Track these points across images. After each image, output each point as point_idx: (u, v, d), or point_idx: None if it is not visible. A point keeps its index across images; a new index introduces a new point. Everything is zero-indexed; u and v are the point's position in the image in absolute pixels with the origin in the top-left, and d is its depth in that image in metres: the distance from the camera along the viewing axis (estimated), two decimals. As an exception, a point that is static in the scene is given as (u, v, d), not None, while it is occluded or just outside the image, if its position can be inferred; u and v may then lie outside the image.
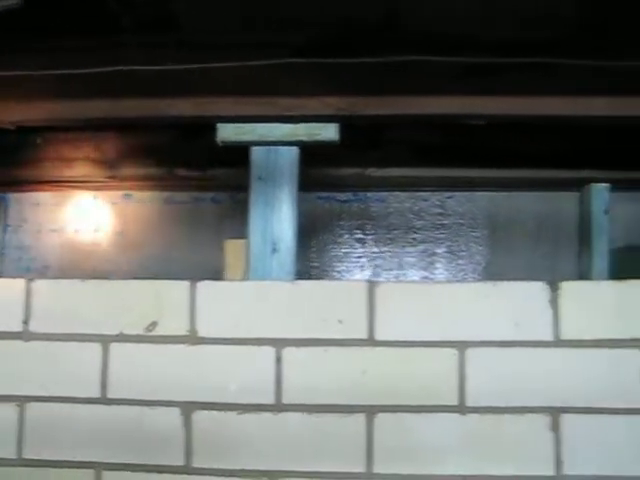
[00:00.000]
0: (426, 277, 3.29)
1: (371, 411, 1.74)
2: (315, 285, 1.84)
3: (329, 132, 2.06)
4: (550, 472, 1.73)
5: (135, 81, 2.16)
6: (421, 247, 3.34)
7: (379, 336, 1.76)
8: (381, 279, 3.29)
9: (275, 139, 2.04)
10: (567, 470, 1.72)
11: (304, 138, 2.05)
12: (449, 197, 3.36)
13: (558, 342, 1.74)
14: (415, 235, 3.34)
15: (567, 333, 1.74)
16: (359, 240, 3.34)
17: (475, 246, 3.34)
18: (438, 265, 3.34)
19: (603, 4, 1.84)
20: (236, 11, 1.88)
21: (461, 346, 1.74)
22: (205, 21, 1.94)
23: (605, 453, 1.72)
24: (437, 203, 3.36)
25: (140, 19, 1.92)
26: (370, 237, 3.35)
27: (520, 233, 3.34)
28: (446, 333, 1.75)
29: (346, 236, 3.34)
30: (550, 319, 1.75)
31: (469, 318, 1.75)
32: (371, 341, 1.76)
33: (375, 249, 3.34)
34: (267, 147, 2.06)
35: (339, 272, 3.32)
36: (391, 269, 3.33)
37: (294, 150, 2.09)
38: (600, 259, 3.07)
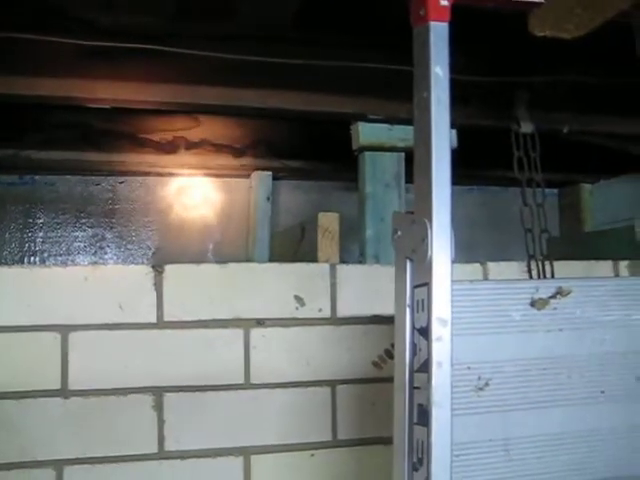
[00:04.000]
0: (95, 262, 3.25)
1: (-32, 400, 1.69)
2: None
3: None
4: (154, 449, 1.78)
5: None
6: (91, 232, 3.30)
7: (-25, 322, 1.71)
8: (49, 264, 3.20)
9: None
10: (169, 446, 1.79)
11: None
12: (121, 182, 3.34)
13: (161, 324, 1.80)
14: (85, 220, 3.29)
15: (170, 314, 1.80)
16: (25, 224, 3.23)
17: (146, 231, 3.35)
18: (108, 250, 3.31)
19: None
20: None
21: (64, 330, 1.74)
22: None
23: (204, 428, 1.81)
24: (108, 188, 3.33)
25: None
26: (38, 221, 3.25)
27: (193, 218, 3.40)
28: (48, 317, 1.73)
29: (11, 221, 3.21)
30: (154, 301, 1.80)
31: (72, 302, 1.75)
32: (-32, 328, 1.70)
33: (42, 234, 3.24)
34: None
35: (4, 257, 3.18)
36: (60, 254, 3.26)
37: None
38: (261, 243, 3.22)
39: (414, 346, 1.15)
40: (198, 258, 3.33)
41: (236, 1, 1.96)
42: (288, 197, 3.40)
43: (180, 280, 1.82)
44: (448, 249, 1.13)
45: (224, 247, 3.42)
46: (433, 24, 1.17)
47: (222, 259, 3.39)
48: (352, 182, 2.99)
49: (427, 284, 1.11)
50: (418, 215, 1.16)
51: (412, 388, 1.15)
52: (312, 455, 1.86)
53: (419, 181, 1.17)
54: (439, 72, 1.17)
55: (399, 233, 1.21)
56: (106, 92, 2.09)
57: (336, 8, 1.98)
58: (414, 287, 1.16)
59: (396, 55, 2.17)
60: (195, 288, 1.82)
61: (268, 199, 3.26)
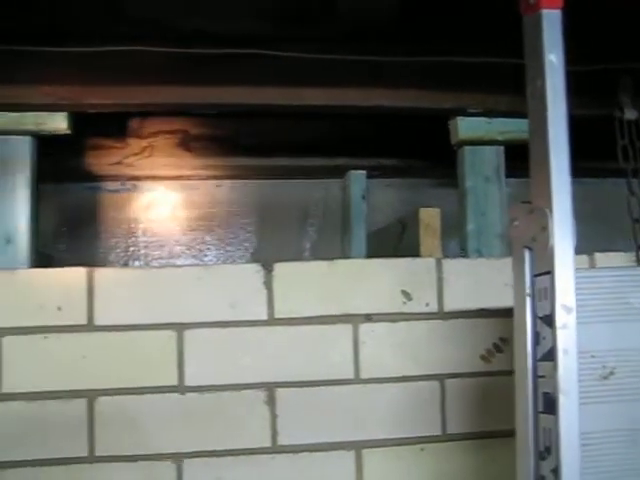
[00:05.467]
0: (196, 265, 3.33)
1: (92, 396, 1.77)
2: (34, 273, 1.84)
3: (57, 122, 2.04)
4: (267, 444, 1.83)
5: None
6: (191, 235, 3.39)
7: (98, 321, 1.78)
8: (165, 265, 3.29)
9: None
10: (282, 441, 1.83)
11: (32, 127, 2.02)
12: (218, 186, 3.42)
13: (272, 321, 1.84)
14: (185, 224, 3.38)
15: (281, 312, 1.84)
16: (128, 229, 3.34)
17: (244, 233, 3.42)
18: (207, 252, 3.39)
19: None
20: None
21: (179, 328, 1.80)
22: None
23: (315, 422, 1.84)
24: (206, 192, 3.41)
25: None
26: (140, 226, 3.36)
27: (287, 219, 3.45)
28: (164, 316, 1.80)
29: (115, 225, 3.32)
30: (264, 299, 1.84)
31: (186, 301, 1.81)
32: (90, 326, 1.78)
33: (145, 238, 3.35)
34: (-6, 137, 2.01)
35: (110, 262, 3.30)
36: (162, 258, 3.36)
37: (26, 140, 2.05)
38: (358, 241, 3.24)
39: (536, 335, 1.15)
40: (295, 258, 3.37)
41: (335, 1, 1.98)
42: (381, 195, 3.41)
43: (289, 278, 1.85)
44: (570, 237, 1.12)
45: (320, 246, 3.45)
46: (546, 12, 1.17)
47: (319, 259, 3.42)
48: (445, 178, 2.98)
49: (550, 272, 1.11)
50: (537, 204, 1.15)
51: (536, 377, 1.15)
52: (422, 449, 1.87)
53: (536, 170, 1.17)
54: (553, 60, 1.16)
55: (516, 223, 1.21)
56: (210, 98, 2.14)
57: (434, 2, 1.98)
58: (534, 276, 1.16)
59: (494, 47, 2.17)
60: (304, 285, 1.86)
61: (363, 197, 3.28)
